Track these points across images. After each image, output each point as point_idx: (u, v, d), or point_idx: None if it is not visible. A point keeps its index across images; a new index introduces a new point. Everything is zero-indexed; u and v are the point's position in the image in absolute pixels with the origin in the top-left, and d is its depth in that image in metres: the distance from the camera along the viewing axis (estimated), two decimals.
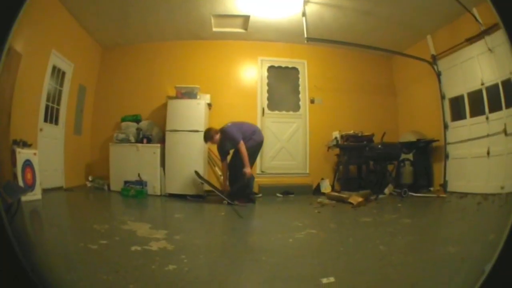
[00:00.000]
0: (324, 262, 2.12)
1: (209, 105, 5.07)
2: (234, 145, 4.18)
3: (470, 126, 4.16)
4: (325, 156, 5.14)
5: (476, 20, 3.71)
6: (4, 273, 1.18)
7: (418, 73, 4.89)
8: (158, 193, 4.76)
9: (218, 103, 5.12)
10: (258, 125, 5.16)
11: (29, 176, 3.92)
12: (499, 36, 1.40)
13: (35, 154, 4.02)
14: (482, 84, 3.93)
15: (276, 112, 5.33)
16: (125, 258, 2.26)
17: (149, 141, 4.78)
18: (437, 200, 4.26)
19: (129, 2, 4.44)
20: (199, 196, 4.60)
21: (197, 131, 4.61)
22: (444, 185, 4.33)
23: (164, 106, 4.87)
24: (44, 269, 1.77)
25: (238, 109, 5.22)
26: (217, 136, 4.23)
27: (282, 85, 5.44)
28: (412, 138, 4.66)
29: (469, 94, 4.20)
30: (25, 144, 3.99)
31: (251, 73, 5.38)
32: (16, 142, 3.88)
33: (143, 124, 4.93)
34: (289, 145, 5.31)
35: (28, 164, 3.93)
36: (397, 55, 5.06)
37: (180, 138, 4.64)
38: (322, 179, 4.92)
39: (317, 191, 4.87)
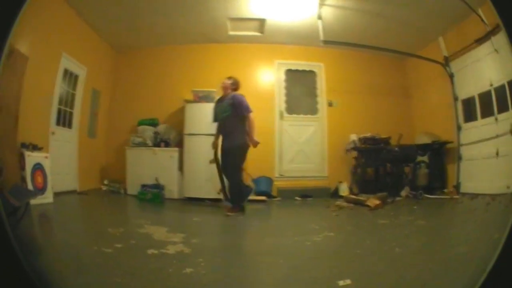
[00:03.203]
0: (341, 264, 2.39)
1: None
2: (243, 111, 4.32)
3: (480, 127, 4.66)
4: (343, 159, 5.71)
5: (482, 20, 4.01)
6: (6, 280, 1.25)
7: (431, 75, 5.39)
8: (176, 197, 5.32)
9: None
10: (276, 128, 5.79)
11: (39, 179, 4.44)
12: (503, 36, 1.63)
13: (46, 157, 4.53)
14: (491, 85, 4.36)
15: (294, 115, 5.92)
16: (141, 261, 2.51)
17: (167, 145, 5.40)
18: (450, 201, 4.77)
19: (140, 5, 4.92)
20: (217, 199, 5.12)
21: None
22: (457, 187, 4.85)
23: (182, 110, 5.47)
24: (52, 273, 2.01)
25: (256, 112, 5.56)
26: (229, 90, 4.45)
27: (299, 88, 6.02)
28: (427, 140, 5.23)
29: (480, 96, 4.69)
30: (35, 148, 4.48)
31: (268, 77, 6.01)
32: (25, 145, 4.36)
33: (161, 128, 5.53)
34: (307, 148, 5.89)
35: (38, 167, 4.44)
36: (410, 57, 5.53)
37: (198, 141, 5.21)
38: (340, 182, 5.50)
39: (335, 194, 5.45)
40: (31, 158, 4.32)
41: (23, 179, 4.23)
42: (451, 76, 5.06)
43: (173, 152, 5.35)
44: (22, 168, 4.25)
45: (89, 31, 5.58)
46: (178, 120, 5.47)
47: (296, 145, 5.91)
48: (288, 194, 5.48)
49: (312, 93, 6.01)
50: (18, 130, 4.24)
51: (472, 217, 3.78)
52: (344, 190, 5.38)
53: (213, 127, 5.24)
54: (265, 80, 6.04)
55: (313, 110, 5.98)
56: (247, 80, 5.75)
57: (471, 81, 4.83)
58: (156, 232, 3.31)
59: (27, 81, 4.30)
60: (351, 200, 4.73)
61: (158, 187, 5.24)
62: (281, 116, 5.90)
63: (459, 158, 4.91)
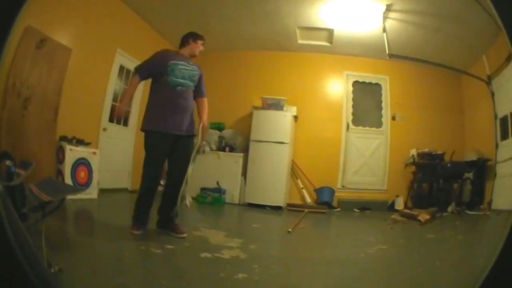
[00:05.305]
0: (390, 276, 3.63)
1: (295, 117, 8.26)
2: (203, 93, 5.04)
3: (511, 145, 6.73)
4: (402, 173, 8.60)
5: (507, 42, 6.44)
6: (6, 280, 1.66)
7: (480, 92, 8.01)
8: (236, 202, 7.96)
9: (304, 116, 8.52)
10: (343, 139, 8.82)
11: (82, 174, 6.31)
12: None
13: (94, 153, 6.54)
14: None
15: (360, 127, 8.83)
16: (192, 264, 3.50)
17: (232, 149, 7.93)
18: (483, 217, 7.12)
19: (209, 12, 7.29)
20: (279, 207, 7.73)
21: (282, 142, 7.84)
22: (489, 203, 7.18)
23: (249, 116, 8.04)
24: (80, 271, 2.84)
25: (323, 122, 8.67)
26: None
27: (366, 100, 8.88)
28: (473, 157, 8.00)
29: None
30: (81, 142, 6.33)
31: (337, 87, 8.91)
32: (66, 139, 6.13)
33: (227, 132, 8.06)
34: (372, 162, 8.79)
35: (82, 162, 6.32)
36: (463, 74, 8.32)
37: (264, 148, 7.87)
38: (397, 196, 8.40)
39: (391, 207, 8.29)
40: (74, 152, 6.17)
41: (60, 173, 6.02)
42: (492, 94, 7.60)
43: (238, 157, 8.01)
44: (60, 161, 6.07)
45: (150, 31, 7.93)
46: (245, 125, 8.12)
47: (362, 157, 8.82)
48: (347, 206, 8.29)
49: (377, 106, 8.89)
50: (58, 123, 6.13)
51: (493, 232, 5.48)
52: (399, 204, 8.30)
53: (280, 135, 7.96)
54: (333, 90, 8.92)
55: (378, 123, 8.91)
56: (316, 90, 8.64)
57: (506, 99, 7.29)
58: (213, 236, 4.66)
59: (71, 73, 6.21)
60: (405, 214, 7.34)
61: (219, 191, 7.80)
62: (348, 128, 8.75)
63: (495, 175, 7.45)
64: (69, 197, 4.47)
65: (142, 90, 7.76)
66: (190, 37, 4.98)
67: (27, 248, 1.80)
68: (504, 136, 7.34)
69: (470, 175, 8.17)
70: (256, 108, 8.45)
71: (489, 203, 7.47)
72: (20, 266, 1.71)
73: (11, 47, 4.70)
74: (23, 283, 1.72)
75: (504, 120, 7.37)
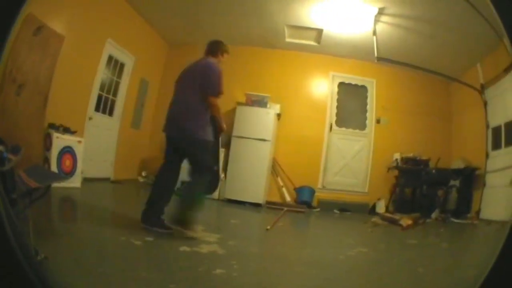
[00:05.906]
0: (369, 281, 3.60)
1: (279, 115, 8.30)
2: (210, 93, 4.73)
3: (503, 155, 7.16)
4: (384, 177, 8.59)
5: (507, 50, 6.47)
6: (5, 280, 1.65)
7: (470, 100, 8.03)
8: (216, 197, 7.88)
9: (287, 114, 8.56)
10: (325, 140, 8.86)
11: (67, 163, 6.30)
12: None
13: (79, 142, 6.52)
14: None
15: (343, 129, 8.88)
16: (171, 257, 3.54)
17: None
18: (470, 226, 7.11)
19: (201, 4, 7.38)
20: (258, 204, 7.76)
21: (264, 140, 7.90)
22: (478, 213, 7.24)
23: (232, 111, 8.07)
24: (58, 265, 2.75)
25: (307, 122, 8.73)
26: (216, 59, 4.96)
27: (351, 102, 8.94)
28: (461, 165, 7.99)
29: (505, 125, 6.97)
30: (67, 130, 6.34)
31: (322, 87, 8.98)
32: (54, 127, 6.15)
33: None
34: (353, 163, 8.82)
35: (68, 150, 6.31)
36: (454, 81, 8.35)
37: (246, 145, 7.92)
38: (379, 199, 8.36)
39: (372, 210, 8.29)
40: (60, 140, 6.16)
41: (47, 160, 6.03)
42: (485, 103, 7.60)
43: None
44: (47, 149, 6.06)
45: (141, 22, 8.02)
46: (227, 121, 7.35)
47: (344, 159, 8.84)
48: (327, 206, 8.30)
49: (362, 108, 8.92)
50: (47, 110, 6.15)
51: (483, 243, 5.66)
52: (381, 207, 8.26)
53: (263, 132, 8.04)
54: (318, 90, 8.98)
55: (361, 125, 8.95)
56: (300, 89, 8.72)
57: (500, 109, 7.26)
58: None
59: (63, 61, 6.25)
60: (386, 218, 7.32)
61: None
62: (331, 128, 8.77)
63: (484, 185, 7.46)
64: (54, 185, 4.40)
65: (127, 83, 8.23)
66: (223, 50, 5.29)
67: (18, 236, 1.80)
68: (496, 146, 7.41)
69: (456, 182, 8.16)
70: (240, 104, 8.51)
71: (477, 212, 7.49)
72: (14, 255, 1.72)
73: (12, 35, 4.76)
74: (16, 271, 1.72)
75: (497, 130, 7.42)
